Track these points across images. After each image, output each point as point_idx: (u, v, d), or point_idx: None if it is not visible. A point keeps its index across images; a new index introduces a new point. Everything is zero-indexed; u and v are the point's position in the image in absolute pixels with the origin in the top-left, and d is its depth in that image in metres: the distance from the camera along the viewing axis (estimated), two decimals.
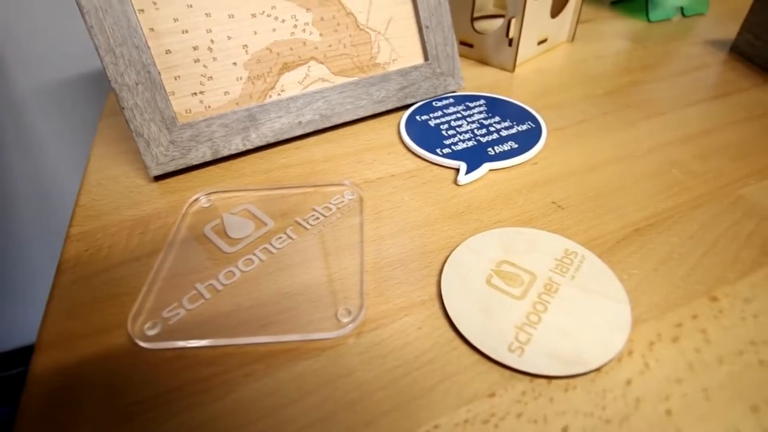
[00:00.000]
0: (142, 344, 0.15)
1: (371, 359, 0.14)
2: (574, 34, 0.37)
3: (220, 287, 0.17)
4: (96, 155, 0.26)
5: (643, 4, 0.42)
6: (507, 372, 0.14)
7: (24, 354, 0.50)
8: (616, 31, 0.40)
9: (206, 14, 0.23)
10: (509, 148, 0.24)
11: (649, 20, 0.41)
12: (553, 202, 0.21)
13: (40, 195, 0.40)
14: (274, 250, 0.18)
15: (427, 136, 0.25)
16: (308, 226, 0.20)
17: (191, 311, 0.16)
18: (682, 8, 0.42)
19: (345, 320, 0.15)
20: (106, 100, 0.33)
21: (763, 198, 0.20)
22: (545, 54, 0.36)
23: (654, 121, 0.27)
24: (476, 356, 0.14)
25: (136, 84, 0.21)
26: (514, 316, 0.15)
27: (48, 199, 0.40)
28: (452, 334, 0.15)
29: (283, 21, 0.24)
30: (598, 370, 0.14)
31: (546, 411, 0.13)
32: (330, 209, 0.21)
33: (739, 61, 0.34)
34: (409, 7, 0.27)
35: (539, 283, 0.16)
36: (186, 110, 0.23)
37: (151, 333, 0.15)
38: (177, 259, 0.18)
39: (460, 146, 0.24)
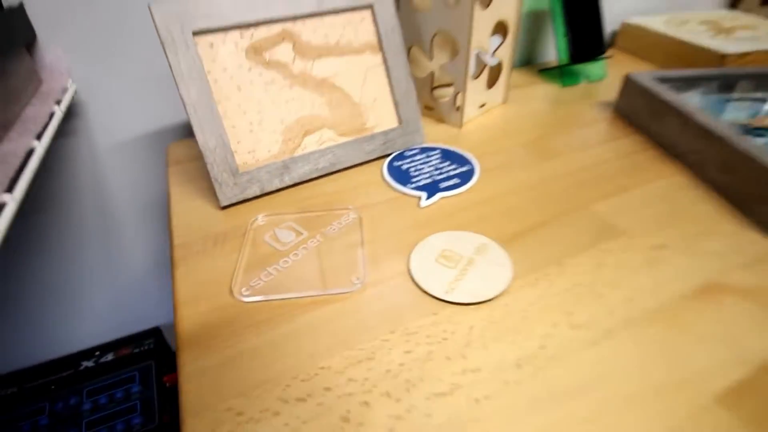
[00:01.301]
0: (242, 299, 0.27)
1: (370, 302, 0.27)
2: (506, 97, 0.52)
3: (281, 269, 0.29)
4: (174, 192, 0.38)
5: (564, 72, 0.57)
6: (444, 303, 0.26)
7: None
8: (538, 94, 0.54)
9: (258, 102, 0.36)
10: (454, 182, 0.37)
11: (562, 85, 0.56)
12: (478, 216, 0.33)
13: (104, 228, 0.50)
14: (309, 248, 0.31)
15: (401, 176, 0.38)
16: (329, 234, 0.32)
17: (266, 282, 0.28)
18: (587, 75, 0.57)
19: (356, 283, 0.28)
20: (166, 152, 0.45)
21: (605, 211, 0.34)
22: (485, 114, 0.49)
23: (554, 161, 0.40)
24: (427, 297, 0.27)
25: (215, 147, 0.34)
26: (450, 276, 0.27)
27: (111, 233, 0.51)
28: (416, 289, 0.27)
29: (305, 103, 0.37)
30: (491, 300, 0.26)
31: (462, 319, 0.25)
32: (341, 224, 0.33)
33: (619, 117, 0.48)
34: (388, 90, 0.41)
35: (465, 260, 0.29)
36: (244, 163, 0.35)
37: (246, 293, 0.27)
38: (251, 255, 0.30)
39: (423, 182, 0.37)
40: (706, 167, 0.36)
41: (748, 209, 0.32)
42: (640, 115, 0.44)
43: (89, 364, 0.57)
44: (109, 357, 0.57)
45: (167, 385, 0.56)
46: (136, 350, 0.58)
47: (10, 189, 0.24)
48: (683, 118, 0.38)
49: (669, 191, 0.36)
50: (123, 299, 0.58)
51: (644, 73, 0.46)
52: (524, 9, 0.60)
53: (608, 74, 0.58)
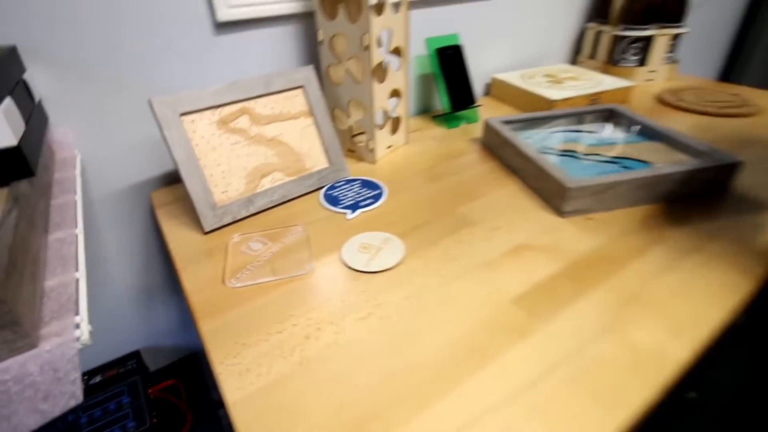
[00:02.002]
0: (232, 286, 0.41)
1: (318, 278, 0.42)
2: (407, 139, 0.70)
3: (256, 266, 0.44)
4: (166, 226, 0.51)
5: (447, 118, 0.77)
6: (363, 274, 0.42)
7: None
8: (431, 135, 0.74)
9: (227, 157, 0.51)
10: (370, 201, 0.54)
11: (448, 127, 0.76)
12: (385, 222, 0.50)
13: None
14: (273, 251, 0.46)
15: (333, 200, 0.54)
16: (286, 242, 0.47)
17: (247, 274, 0.43)
18: (466, 118, 0.78)
19: (308, 268, 0.43)
20: (150, 199, 0.59)
21: (467, 211, 0.52)
22: (392, 153, 0.68)
23: (438, 182, 0.59)
24: (353, 271, 0.43)
25: (198, 191, 0.48)
26: (366, 258, 0.44)
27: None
28: (345, 268, 0.43)
29: (260, 155, 0.53)
30: (391, 268, 0.43)
31: (374, 281, 0.41)
32: (294, 235, 0.48)
33: (483, 149, 0.68)
34: (319, 141, 0.58)
35: (375, 248, 0.45)
36: (219, 200, 0.50)
37: (234, 282, 0.42)
38: (233, 260, 0.45)
39: (348, 203, 0.54)
40: (528, 178, 0.56)
41: (549, 202, 0.52)
42: (494, 146, 0.64)
43: None
44: (98, 379, 0.67)
45: (151, 396, 0.66)
46: (122, 370, 0.68)
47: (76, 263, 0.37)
48: (514, 147, 0.58)
49: (507, 196, 0.55)
50: (106, 327, 0.68)
51: (495, 118, 0.66)
52: (417, 73, 0.80)
53: (480, 117, 0.79)
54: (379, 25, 0.55)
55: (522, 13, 0.89)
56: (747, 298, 0.38)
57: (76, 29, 0.49)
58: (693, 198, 0.52)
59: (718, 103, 0.77)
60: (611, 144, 0.62)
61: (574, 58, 1.04)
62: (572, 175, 0.50)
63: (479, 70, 0.90)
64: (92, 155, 0.55)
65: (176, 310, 0.72)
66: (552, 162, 0.54)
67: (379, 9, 0.55)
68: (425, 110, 0.85)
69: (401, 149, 0.69)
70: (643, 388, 0.31)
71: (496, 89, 0.89)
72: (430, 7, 0.76)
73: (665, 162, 0.55)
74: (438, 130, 0.76)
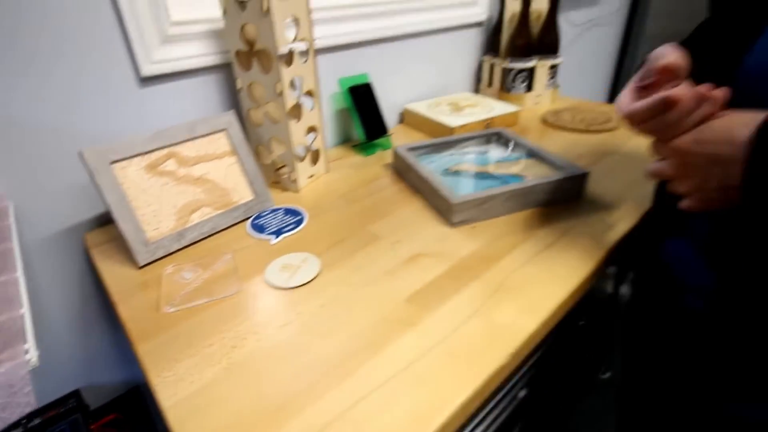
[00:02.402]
0: (166, 311, 0.47)
1: (245, 300, 0.49)
2: (328, 168, 0.79)
3: (188, 291, 0.49)
4: (101, 265, 0.56)
5: (364, 147, 0.86)
6: (284, 290, 0.49)
7: None
8: (350, 163, 0.83)
9: (157, 197, 0.56)
10: (292, 227, 0.61)
11: (365, 155, 0.86)
12: (305, 243, 0.58)
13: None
14: (204, 278, 0.52)
15: (258, 228, 0.61)
16: (216, 269, 0.53)
17: (180, 299, 0.48)
18: (381, 146, 0.88)
19: (234, 290, 0.50)
20: (84, 240, 0.62)
21: (376, 228, 0.61)
22: (314, 181, 0.76)
23: (353, 204, 0.67)
24: (275, 289, 0.50)
25: (131, 230, 0.53)
26: (286, 277, 0.51)
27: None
28: (269, 288, 0.50)
29: (189, 193, 0.59)
30: (307, 283, 0.50)
31: (294, 294, 0.49)
32: (223, 262, 0.55)
33: (394, 173, 0.78)
34: (243, 176, 0.65)
35: (294, 267, 0.53)
36: (151, 236, 0.55)
37: (168, 308, 0.47)
38: (167, 289, 0.50)
39: (272, 229, 0.61)
40: (427, 197, 0.66)
41: (442, 215, 0.62)
42: (402, 170, 0.74)
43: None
44: (37, 421, 0.68)
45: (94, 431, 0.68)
46: (62, 410, 0.69)
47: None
48: (415, 171, 0.68)
49: (411, 212, 0.64)
50: (43, 369, 0.69)
51: (403, 145, 0.77)
52: (336, 108, 0.89)
53: (394, 144, 0.90)
54: (289, 74, 0.64)
55: (427, 50, 1.01)
56: (586, 277, 0.50)
57: (4, 83, 0.53)
58: (555, 203, 0.64)
59: (587, 121, 0.93)
60: (497, 162, 0.74)
61: (477, 87, 1.18)
62: (460, 191, 0.61)
63: (394, 101, 1.01)
64: (25, 203, 0.59)
65: (115, 345, 0.75)
66: (445, 181, 0.64)
67: (288, 60, 0.63)
68: (346, 140, 0.94)
69: (322, 178, 0.77)
70: (499, 353, 0.40)
71: (408, 118, 1.00)
72: (344, 51, 0.86)
73: (534, 175, 0.67)
74: (357, 158, 0.85)
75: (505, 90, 1.08)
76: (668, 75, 0.42)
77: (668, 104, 0.39)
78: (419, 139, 0.93)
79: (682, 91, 0.38)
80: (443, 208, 0.61)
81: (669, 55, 0.42)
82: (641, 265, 0.57)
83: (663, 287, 0.52)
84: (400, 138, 0.94)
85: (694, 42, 0.53)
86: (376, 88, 0.92)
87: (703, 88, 0.38)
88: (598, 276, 0.53)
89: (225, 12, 0.62)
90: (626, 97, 0.44)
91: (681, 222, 0.53)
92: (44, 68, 0.56)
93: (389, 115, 1.01)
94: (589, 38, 1.55)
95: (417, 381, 0.38)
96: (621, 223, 0.59)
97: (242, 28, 0.62)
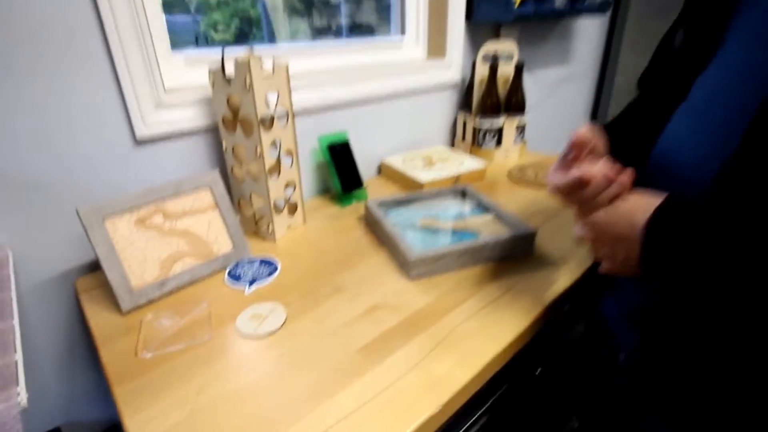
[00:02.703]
0: (143, 357, 0.52)
1: (217, 347, 0.54)
2: (305, 218, 0.86)
3: (165, 338, 0.55)
4: (88, 308, 0.61)
5: (341, 198, 0.94)
6: (252, 339, 0.55)
7: None
8: (327, 213, 0.90)
9: (143, 249, 0.63)
10: (266, 277, 0.67)
11: (342, 206, 0.93)
12: (275, 293, 0.64)
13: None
14: (180, 325, 0.57)
15: (234, 277, 0.67)
16: (193, 315, 0.59)
17: (156, 345, 0.54)
18: (357, 197, 0.95)
19: (207, 337, 0.55)
20: (75, 285, 0.68)
21: (341, 279, 0.67)
22: (291, 231, 0.82)
23: (325, 256, 0.74)
24: (244, 337, 0.55)
25: (118, 278, 0.59)
26: (255, 326, 0.57)
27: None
28: (239, 335, 0.56)
29: (173, 245, 0.66)
30: (275, 331, 0.56)
31: (260, 344, 0.54)
32: (200, 309, 0.60)
33: (365, 224, 0.85)
34: (225, 229, 0.71)
35: (263, 316, 0.58)
36: (136, 284, 0.61)
37: (146, 353, 0.53)
38: (146, 335, 0.56)
39: (247, 279, 0.67)
40: (390, 250, 0.73)
41: (402, 269, 0.68)
42: (371, 223, 0.81)
43: None
44: None
45: None
46: None
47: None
48: (381, 225, 0.75)
49: (375, 265, 0.71)
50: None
51: (375, 199, 0.84)
52: (317, 161, 0.97)
53: (371, 195, 0.97)
54: (269, 137, 0.71)
55: (406, 108, 1.11)
56: (521, 333, 0.56)
57: (10, 143, 0.61)
58: (506, 259, 0.71)
59: None
60: (458, 218, 0.81)
61: (453, 140, 1.27)
62: (418, 247, 0.67)
63: (374, 153, 1.09)
64: (22, 251, 0.65)
65: (97, 385, 0.79)
66: (406, 237, 0.71)
67: (268, 125, 0.71)
68: (326, 190, 1.02)
69: (300, 228, 0.84)
70: (431, 403, 0.46)
71: (385, 170, 1.08)
72: (326, 111, 0.95)
73: (489, 232, 0.74)
74: (334, 209, 0.92)
75: (477, 145, 1.17)
76: (580, 149, 0.50)
77: (582, 183, 0.46)
78: (395, 190, 1.00)
79: (595, 172, 0.46)
80: (402, 263, 0.68)
81: (580, 132, 0.50)
82: (586, 317, 0.63)
83: (600, 339, 0.58)
84: (377, 189, 1.01)
85: (622, 120, 0.62)
86: (357, 143, 1.01)
87: (612, 172, 0.46)
88: (540, 327, 0.59)
89: (213, 84, 0.71)
90: (553, 171, 0.52)
91: (611, 282, 0.60)
92: (50, 131, 0.63)
93: (369, 166, 1.10)
94: (562, 93, 1.67)
95: (357, 426, 0.43)
96: (562, 280, 0.65)
97: (228, 98, 0.70)
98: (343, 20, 1.11)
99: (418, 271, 0.66)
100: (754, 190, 0.39)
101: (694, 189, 0.44)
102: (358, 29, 1.13)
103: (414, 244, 0.71)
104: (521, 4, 1.09)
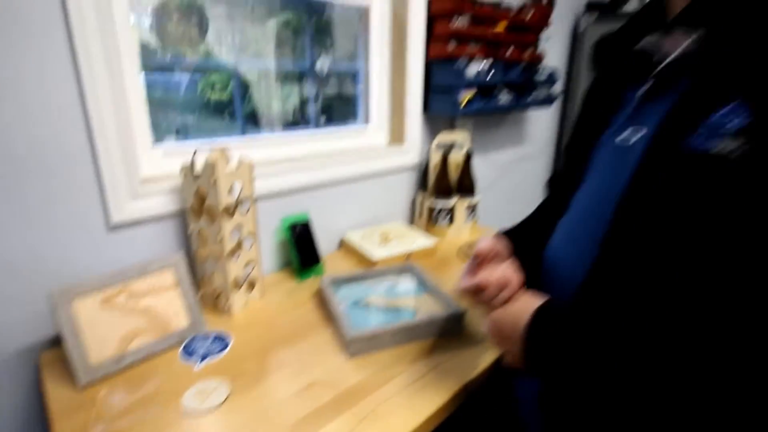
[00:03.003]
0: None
1: (162, 421, 0.60)
2: (263, 293, 0.93)
3: (115, 412, 0.60)
4: (48, 382, 0.66)
5: (299, 273, 1.02)
6: (196, 414, 0.61)
7: None
8: (286, 288, 0.98)
9: (105, 326, 0.69)
10: (218, 352, 0.74)
11: (300, 280, 1.01)
12: (224, 368, 0.70)
13: None
14: (132, 400, 0.63)
15: (188, 353, 0.73)
16: (144, 389, 0.65)
17: (107, 420, 0.59)
18: (315, 272, 1.04)
19: (156, 412, 0.61)
20: (38, 359, 0.73)
21: (286, 355, 0.73)
22: (248, 306, 0.89)
23: (275, 331, 0.80)
24: (188, 412, 0.61)
25: (78, 354, 0.65)
26: (199, 401, 0.62)
27: None
28: (183, 410, 0.61)
29: (134, 322, 0.72)
30: (220, 404, 0.62)
31: (203, 420, 0.60)
32: (155, 383, 0.66)
33: (319, 301, 0.92)
34: (183, 306, 0.78)
35: (207, 393, 0.64)
36: (96, 359, 0.67)
37: (97, 430, 0.58)
38: (98, 410, 0.61)
39: (200, 353, 0.73)
40: (335, 327, 0.80)
41: (342, 346, 0.75)
42: (324, 299, 0.89)
43: None
44: None
45: None
46: None
47: None
48: (328, 301, 0.83)
49: (319, 341, 0.77)
50: None
51: (326, 277, 0.92)
52: (279, 239, 1.06)
53: (329, 271, 1.06)
54: (231, 224, 0.81)
55: (369, 188, 1.22)
56: (439, 408, 0.62)
57: None
58: (440, 336, 0.78)
59: None
60: (400, 296, 0.89)
61: (412, 217, 1.39)
62: (359, 325, 0.75)
63: (336, 228, 1.19)
64: None
65: None
66: (349, 314, 0.79)
67: (230, 213, 0.81)
68: (288, 264, 1.10)
69: (257, 303, 0.91)
70: None
71: (345, 245, 1.18)
72: (291, 195, 1.06)
73: (426, 311, 0.82)
74: (292, 284, 1.00)
75: (432, 222, 1.28)
76: (483, 257, 0.60)
77: (479, 288, 0.56)
78: (352, 264, 1.09)
79: (490, 278, 0.56)
80: (342, 340, 0.75)
81: (482, 244, 0.60)
82: (500, 397, 0.70)
83: (511, 422, 0.65)
84: (337, 263, 1.10)
85: (527, 224, 0.73)
86: (321, 219, 1.11)
87: (504, 277, 0.55)
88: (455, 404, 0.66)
89: (184, 177, 0.81)
90: (463, 276, 0.61)
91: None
92: (31, 215, 0.72)
93: (332, 241, 1.19)
94: (517, 172, 1.82)
95: None
96: (485, 360, 0.73)
97: (196, 189, 0.80)
98: (313, 110, 1.25)
99: (355, 348, 0.73)
100: (612, 295, 0.48)
101: (570, 291, 0.53)
102: (330, 117, 1.28)
103: (356, 321, 0.78)
104: (468, 102, 1.25)
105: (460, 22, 1.18)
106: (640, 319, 0.44)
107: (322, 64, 1.23)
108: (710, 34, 0.42)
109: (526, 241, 0.66)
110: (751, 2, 0.41)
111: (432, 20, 1.20)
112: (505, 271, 0.56)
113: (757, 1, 0.40)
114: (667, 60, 0.46)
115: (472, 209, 1.30)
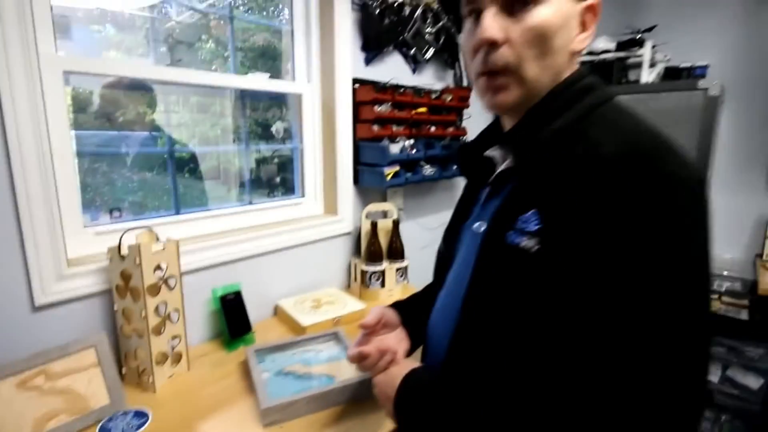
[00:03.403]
0: None
1: None
2: (189, 366, 0.96)
3: None
4: None
5: (229, 343, 1.05)
6: None
7: None
8: (214, 359, 1.01)
9: (21, 413, 0.71)
10: (136, 429, 0.76)
11: (229, 351, 1.04)
12: None
13: None
14: None
15: (106, 430, 0.75)
16: None
17: None
18: (246, 341, 1.08)
19: None
20: None
21: (203, 426, 0.77)
22: (174, 379, 0.92)
23: (198, 404, 0.83)
24: None
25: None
26: None
27: None
28: None
29: (52, 404, 0.74)
30: None
31: None
32: None
33: (245, 371, 0.96)
34: (104, 385, 0.81)
35: None
36: None
37: None
38: None
39: (118, 430, 0.75)
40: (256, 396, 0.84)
41: (259, 416, 0.79)
42: (246, 368, 0.93)
43: None
44: None
45: None
46: None
47: None
48: (250, 372, 0.87)
49: (239, 413, 0.81)
50: None
51: (252, 347, 0.97)
52: (210, 310, 1.11)
53: (259, 338, 1.10)
54: (155, 302, 0.86)
55: (304, 256, 1.30)
56: None
57: None
58: (354, 401, 0.84)
59: None
60: (324, 363, 0.95)
61: (349, 281, 1.46)
62: (278, 393, 0.80)
63: (271, 295, 1.24)
64: None
65: None
66: (272, 383, 0.84)
67: (155, 292, 0.86)
68: (220, 334, 1.14)
69: (183, 376, 0.94)
70: None
71: (279, 312, 1.23)
72: (223, 266, 1.12)
73: (346, 377, 0.88)
74: (221, 354, 1.03)
75: (365, 286, 1.36)
76: (371, 329, 0.68)
77: (362, 357, 0.63)
78: (285, 331, 1.14)
79: (370, 348, 0.63)
80: (258, 410, 0.79)
81: (368, 317, 0.68)
82: None
83: None
84: (269, 330, 1.14)
85: (417, 296, 0.82)
86: (256, 287, 1.17)
87: (384, 345, 0.63)
88: None
89: (110, 259, 0.86)
90: (353, 345, 0.68)
91: None
92: None
93: (266, 307, 1.24)
94: None
95: None
96: (387, 423, 0.79)
97: (122, 271, 0.85)
98: (248, 181, 1.34)
99: (270, 418, 0.77)
100: (468, 356, 0.57)
101: (442, 354, 0.62)
102: (267, 189, 1.38)
103: (275, 391, 0.83)
104: (395, 175, 1.38)
105: (382, 108, 1.33)
106: (492, 379, 0.53)
107: (259, 144, 1.34)
108: (519, 154, 0.55)
109: (413, 311, 0.75)
110: (549, 135, 0.53)
111: (358, 106, 1.35)
112: (385, 340, 0.64)
113: (553, 135, 0.52)
114: (498, 171, 0.59)
115: (403, 272, 1.39)
